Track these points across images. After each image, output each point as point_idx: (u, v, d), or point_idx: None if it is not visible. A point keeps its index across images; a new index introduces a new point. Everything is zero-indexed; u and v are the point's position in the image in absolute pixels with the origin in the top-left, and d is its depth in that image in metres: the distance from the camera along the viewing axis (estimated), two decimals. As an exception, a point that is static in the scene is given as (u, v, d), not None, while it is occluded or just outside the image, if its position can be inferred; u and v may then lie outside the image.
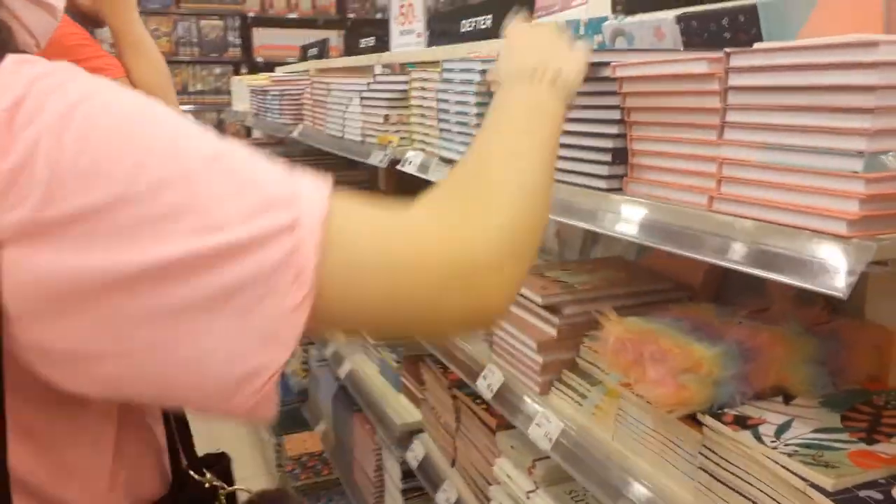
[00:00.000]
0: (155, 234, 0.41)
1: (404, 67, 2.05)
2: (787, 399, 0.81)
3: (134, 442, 0.56)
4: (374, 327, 0.54)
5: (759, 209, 0.69)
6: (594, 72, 0.86)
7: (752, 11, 0.96)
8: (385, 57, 2.41)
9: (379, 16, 7.07)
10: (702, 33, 1.06)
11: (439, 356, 1.43)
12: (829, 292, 0.58)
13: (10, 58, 0.43)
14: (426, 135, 1.42)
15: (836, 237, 0.60)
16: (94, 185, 0.40)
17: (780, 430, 0.73)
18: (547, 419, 1.02)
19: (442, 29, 2.40)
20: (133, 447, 0.56)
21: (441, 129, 1.33)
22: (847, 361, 0.84)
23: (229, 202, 0.42)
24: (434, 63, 1.40)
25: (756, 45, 0.70)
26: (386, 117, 1.61)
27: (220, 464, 0.66)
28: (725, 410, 0.78)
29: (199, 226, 0.41)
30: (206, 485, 0.63)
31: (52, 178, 0.39)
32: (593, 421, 0.99)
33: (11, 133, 0.39)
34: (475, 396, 1.43)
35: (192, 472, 0.62)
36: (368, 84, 1.71)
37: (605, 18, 1.27)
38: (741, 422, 0.75)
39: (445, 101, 1.29)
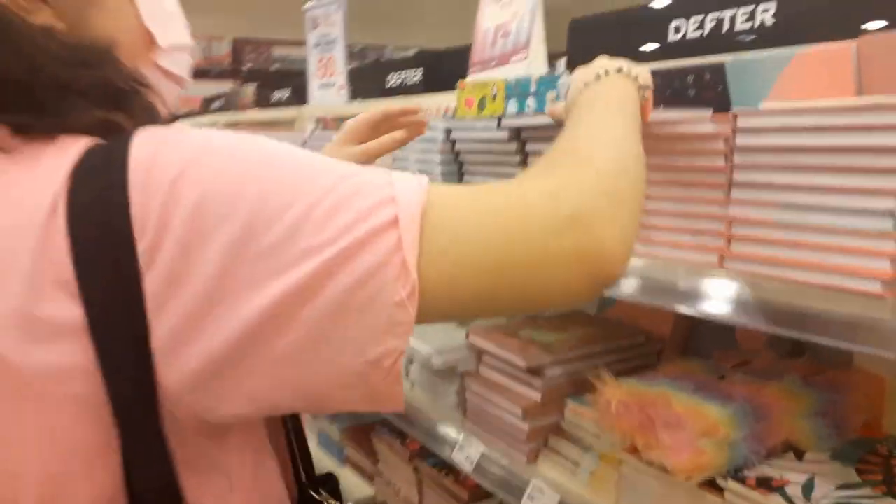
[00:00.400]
0: (279, 265, 0.45)
1: (337, 122, 2.01)
2: (799, 455, 0.80)
3: (266, 464, 0.59)
4: (490, 303, 0.52)
5: (775, 268, 0.68)
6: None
7: (718, 70, 0.98)
8: (307, 111, 2.35)
9: (276, 66, 6.98)
10: (664, 90, 1.07)
11: (397, 424, 1.36)
12: (883, 353, 0.57)
13: (140, 133, 0.48)
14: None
15: (875, 297, 0.60)
16: (217, 227, 0.44)
17: (807, 489, 0.72)
18: (540, 490, 0.98)
19: (366, 82, 2.37)
20: (266, 468, 0.59)
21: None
22: (845, 411, 0.85)
23: (339, 214, 0.46)
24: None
25: (764, 106, 0.70)
26: (327, 175, 1.55)
27: (330, 483, 0.70)
28: (745, 473, 0.76)
29: (315, 244, 0.45)
30: (324, 503, 0.68)
31: (184, 229, 0.44)
32: (590, 489, 0.96)
33: (147, 194, 0.44)
34: (441, 467, 1.37)
35: (311, 492, 0.67)
36: (305, 140, 1.65)
37: (558, 77, 1.28)
38: (765, 484, 0.74)
39: (404, 159, 1.25)
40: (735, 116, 0.71)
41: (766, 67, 0.93)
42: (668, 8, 1.32)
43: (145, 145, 0.47)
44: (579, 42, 1.55)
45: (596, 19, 1.50)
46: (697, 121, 0.75)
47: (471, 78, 1.69)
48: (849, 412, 0.85)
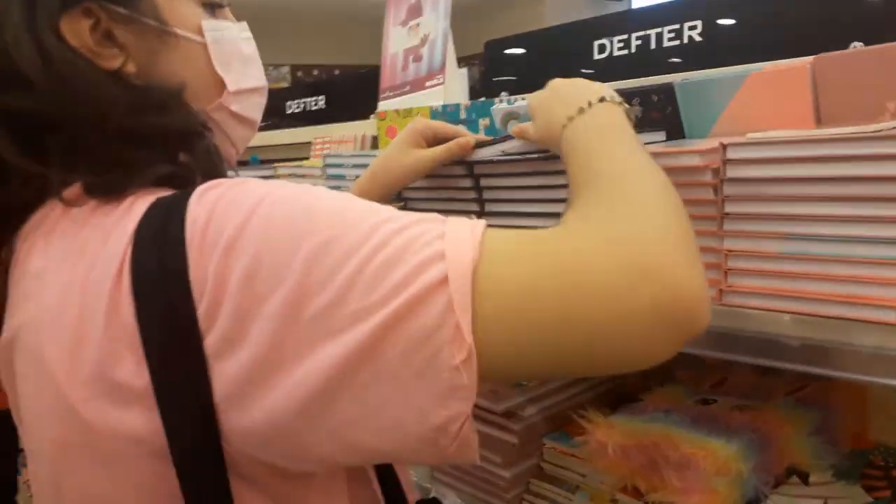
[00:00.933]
0: (331, 328, 0.44)
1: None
2: (804, 478, 0.80)
3: (361, 497, 0.58)
4: (561, 366, 0.48)
5: (780, 301, 0.67)
6: (555, 165, 0.81)
7: (667, 91, 0.98)
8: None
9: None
10: (609, 113, 1.06)
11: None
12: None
13: (197, 191, 0.49)
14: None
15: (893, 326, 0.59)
16: (271, 291, 0.44)
17: (826, 518, 0.72)
18: (534, 541, 0.93)
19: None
20: (362, 500, 0.58)
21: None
22: (834, 425, 0.86)
23: (389, 273, 0.44)
24: (299, 144, 1.28)
25: (751, 136, 0.69)
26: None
27: None
28: (759, 507, 0.75)
29: (366, 306, 0.44)
30: None
31: (239, 293, 0.44)
32: (587, 534, 0.92)
33: (203, 257, 0.45)
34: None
35: None
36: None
37: (491, 103, 1.24)
38: (783, 517, 0.73)
39: (338, 200, 1.17)
40: (724, 147, 0.69)
41: (718, 87, 0.93)
42: (590, 27, 1.32)
43: (202, 204, 0.48)
44: (497, 62, 1.53)
45: (514, 39, 1.48)
46: (682, 153, 0.73)
47: (387, 104, 1.63)
48: (839, 425, 0.86)
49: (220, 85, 0.63)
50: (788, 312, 0.66)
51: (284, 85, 7.78)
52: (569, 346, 0.45)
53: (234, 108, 0.64)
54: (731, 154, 0.69)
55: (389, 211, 0.49)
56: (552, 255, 0.47)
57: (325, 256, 0.45)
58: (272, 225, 0.46)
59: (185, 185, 0.51)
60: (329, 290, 0.44)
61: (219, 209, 0.47)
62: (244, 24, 0.68)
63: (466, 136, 0.91)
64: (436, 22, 1.54)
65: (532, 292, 0.45)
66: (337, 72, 7.84)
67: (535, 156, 0.82)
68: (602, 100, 0.68)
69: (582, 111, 0.67)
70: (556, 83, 0.75)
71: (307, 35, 7.83)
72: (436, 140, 0.93)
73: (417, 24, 1.60)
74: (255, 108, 0.68)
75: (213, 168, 0.57)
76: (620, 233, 0.48)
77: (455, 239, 0.46)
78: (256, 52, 0.69)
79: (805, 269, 0.65)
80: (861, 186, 0.61)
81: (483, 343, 0.44)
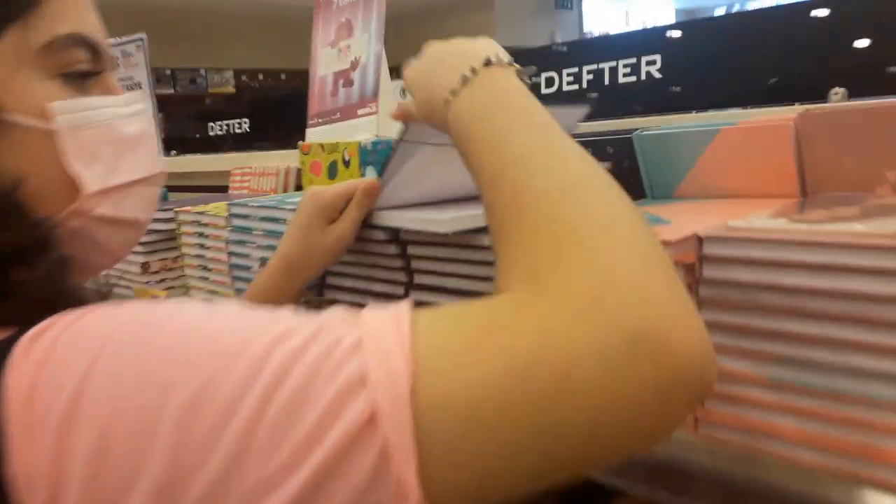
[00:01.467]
0: None
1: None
2: None
3: None
4: (552, 477, 0.36)
5: (769, 440, 0.53)
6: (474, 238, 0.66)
7: (624, 143, 0.84)
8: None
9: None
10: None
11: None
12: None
13: (22, 340, 0.36)
14: (214, 292, 1.11)
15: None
16: (130, 481, 0.32)
17: None
18: None
19: (182, 132, 2.05)
20: None
21: (237, 290, 1.03)
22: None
23: (293, 424, 0.33)
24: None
25: (733, 226, 0.55)
26: (145, 266, 1.26)
27: None
28: None
29: (266, 477, 0.32)
30: None
31: (84, 491, 0.32)
32: None
33: (31, 441, 0.33)
34: None
35: None
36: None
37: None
38: None
39: (245, 255, 1.00)
40: (700, 240, 0.54)
41: (685, 142, 0.79)
42: (539, 57, 1.18)
43: (26, 360, 0.35)
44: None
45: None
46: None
47: (315, 132, 1.46)
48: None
49: (76, 186, 0.48)
50: (778, 457, 0.52)
51: (230, 90, 7.49)
52: (556, 456, 0.35)
53: (100, 210, 0.50)
54: (709, 249, 0.54)
55: (281, 320, 0.37)
56: (513, 349, 0.35)
57: (201, 412, 0.33)
58: (121, 379, 0.34)
59: (18, 319, 0.38)
60: (213, 464, 0.33)
61: (49, 366, 0.35)
62: (133, 95, 0.54)
63: (365, 181, 0.77)
64: (367, 44, 1.38)
65: (499, 406, 0.34)
66: (283, 76, 7.59)
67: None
68: (488, 63, 0.53)
69: (466, 81, 0.53)
70: (432, 47, 0.61)
71: (251, 38, 7.56)
72: (348, 202, 0.78)
73: (348, 46, 1.44)
74: (138, 205, 0.53)
75: (60, 290, 0.44)
76: (590, 294, 0.36)
77: (377, 349, 0.35)
78: (149, 129, 0.54)
79: (805, 405, 0.51)
80: (881, 308, 0.47)
81: (438, 487, 0.34)
